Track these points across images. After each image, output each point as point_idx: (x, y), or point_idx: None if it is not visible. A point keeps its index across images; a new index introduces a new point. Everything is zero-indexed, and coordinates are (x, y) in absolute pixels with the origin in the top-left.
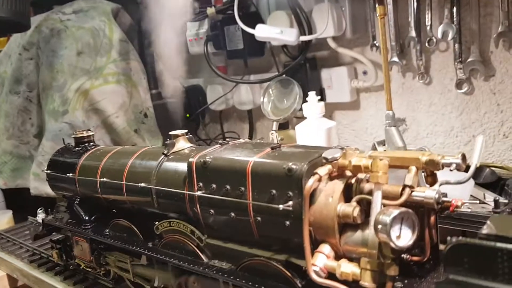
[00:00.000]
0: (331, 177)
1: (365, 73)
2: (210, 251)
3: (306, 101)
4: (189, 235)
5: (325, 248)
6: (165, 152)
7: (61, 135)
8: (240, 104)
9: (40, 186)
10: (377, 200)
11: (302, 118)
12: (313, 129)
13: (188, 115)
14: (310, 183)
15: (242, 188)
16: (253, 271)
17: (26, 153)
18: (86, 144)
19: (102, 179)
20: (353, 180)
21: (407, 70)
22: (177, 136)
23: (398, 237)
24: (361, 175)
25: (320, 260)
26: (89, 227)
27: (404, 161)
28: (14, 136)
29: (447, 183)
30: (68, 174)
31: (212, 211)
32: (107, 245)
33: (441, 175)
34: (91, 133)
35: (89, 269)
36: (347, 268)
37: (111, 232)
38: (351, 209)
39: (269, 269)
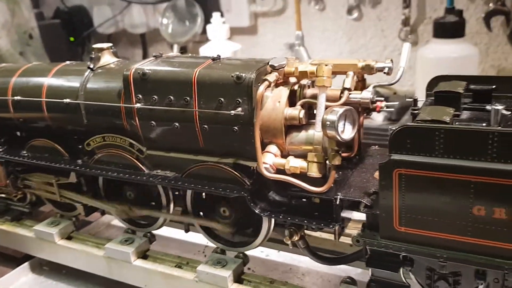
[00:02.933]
0: (276, 84)
1: None
2: (151, 162)
3: (210, 23)
4: (127, 148)
5: (272, 148)
6: (91, 67)
7: None
8: (132, 27)
9: None
10: (322, 101)
11: (201, 42)
12: (218, 52)
13: (72, 39)
14: (262, 89)
15: (188, 98)
16: (199, 177)
17: None
18: None
19: (15, 98)
20: (295, 87)
21: None
22: (102, 49)
23: (342, 132)
24: (303, 82)
25: (269, 159)
26: (0, 149)
27: (343, 67)
28: None
29: (380, 85)
30: None
31: (153, 122)
32: (27, 166)
33: None
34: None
35: (2, 195)
36: (295, 162)
37: (29, 153)
38: (297, 111)
39: (216, 172)
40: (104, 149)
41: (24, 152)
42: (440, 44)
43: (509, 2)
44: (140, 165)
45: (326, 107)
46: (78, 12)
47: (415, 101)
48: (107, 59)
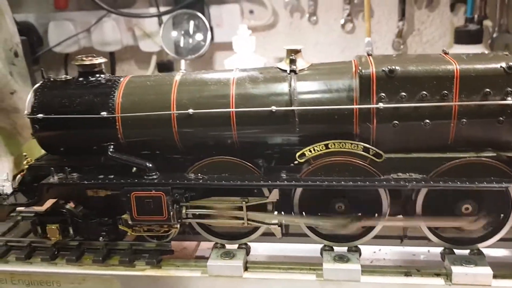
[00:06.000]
0: None
1: (251, 12)
2: (387, 166)
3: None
4: (358, 154)
5: None
6: (293, 69)
7: None
8: (102, 45)
9: None
10: None
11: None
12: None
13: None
14: None
15: (446, 92)
16: (451, 174)
17: None
18: (97, 75)
19: (189, 111)
20: None
21: (295, 11)
22: (297, 51)
23: None
24: None
25: None
26: (155, 176)
27: None
28: None
29: None
30: (102, 113)
31: (396, 122)
32: (195, 192)
33: None
34: (102, 61)
35: (145, 234)
36: None
37: (202, 175)
38: None
39: (473, 168)
40: (324, 158)
41: (192, 175)
42: (461, 50)
43: None
44: (375, 170)
45: None
46: (26, 29)
47: None
48: (301, 62)
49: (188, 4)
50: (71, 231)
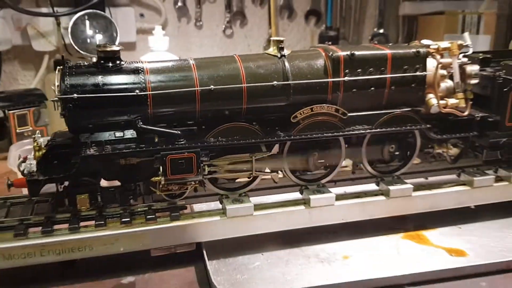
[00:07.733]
0: None
1: (142, 15)
2: (348, 122)
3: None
4: (332, 114)
5: (432, 95)
6: (283, 54)
7: None
8: None
9: None
10: (456, 64)
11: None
12: None
13: None
14: (439, 58)
15: (383, 68)
16: (386, 124)
17: None
18: (118, 62)
19: (210, 87)
20: None
21: (183, 16)
22: (282, 41)
23: None
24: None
25: (435, 101)
26: (183, 142)
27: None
28: None
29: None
30: (136, 91)
31: (354, 89)
32: (215, 153)
33: None
34: (120, 48)
35: (166, 193)
36: (453, 101)
37: (221, 138)
38: (445, 72)
39: (398, 119)
40: (309, 119)
41: (212, 139)
42: None
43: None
44: (342, 125)
45: None
46: None
47: None
48: (285, 50)
49: (92, 5)
50: (99, 199)
